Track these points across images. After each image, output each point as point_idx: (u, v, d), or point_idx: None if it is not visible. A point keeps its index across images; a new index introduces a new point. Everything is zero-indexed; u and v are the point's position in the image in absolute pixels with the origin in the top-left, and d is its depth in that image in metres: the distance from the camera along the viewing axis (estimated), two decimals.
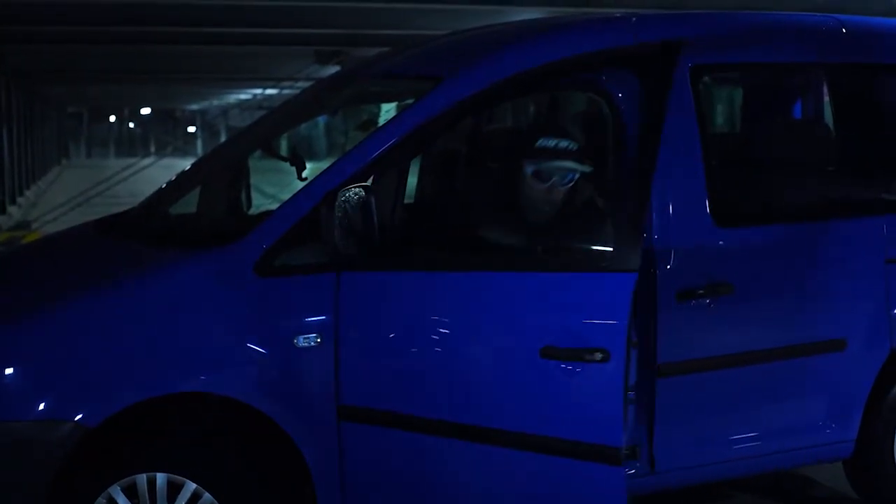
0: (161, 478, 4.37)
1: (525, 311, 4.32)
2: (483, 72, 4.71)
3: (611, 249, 4.28)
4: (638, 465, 4.99)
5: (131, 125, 75.83)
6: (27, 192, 29.83)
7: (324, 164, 4.64)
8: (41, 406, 4.17)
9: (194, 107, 63.93)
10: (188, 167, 6.13)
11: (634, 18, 5.04)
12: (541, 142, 4.81)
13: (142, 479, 4.35)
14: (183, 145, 55.71)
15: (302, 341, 4.38)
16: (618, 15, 5.26)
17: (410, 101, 4.80)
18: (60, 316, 4.32)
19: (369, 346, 4.44)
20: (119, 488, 4.33)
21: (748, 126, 6.31)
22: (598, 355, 4.13)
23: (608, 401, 4.17)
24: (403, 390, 4.44)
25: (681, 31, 4.94)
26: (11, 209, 24.72)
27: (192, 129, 71.00)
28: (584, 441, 4.21)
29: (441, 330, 4.39)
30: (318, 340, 4.39)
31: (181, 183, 5.80)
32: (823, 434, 5.35)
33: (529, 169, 4.86)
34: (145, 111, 69.67)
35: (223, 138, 44.38)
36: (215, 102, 54.38)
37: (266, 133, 5.97)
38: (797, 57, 5.50)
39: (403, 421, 4.42)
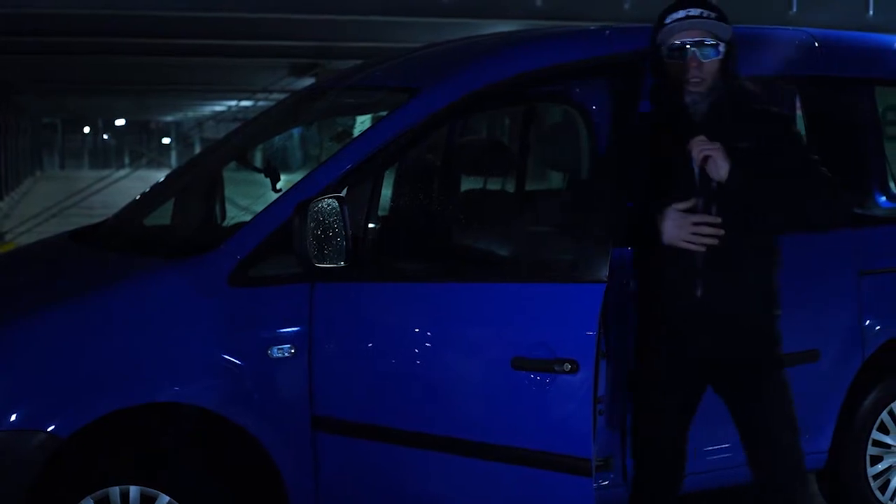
0: (134, 490, 4.34)
1: (496, 322, 4.33)
2: (458, 83, 4.72)
3: (580, 260, 4.30)
4: (612, 476, 5.00)
5: (105, 136, 75.62)
6: (0, 204, 29.70)
7: (298, 176, 4.64)
8: (13, 416, 4.14)
9: (169, 118, 63.87)
10: (163, 179, 6.12)
11: (608, 31, 5.06)
12: (670, 17, 4.39)
13: (115, 492, 4.33)
14: (157, 157, 55.54)
15: (276, 352, 4.38)
16: (592, 27, 5.29)
17: (385, 112, 4.81)
18: (33, 325, 4.31)
19: (343, 356, 4.44)
20: (92, 501, 4.30)
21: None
22: (568, 366, 4.14)
23: (578, 412, 4.18)
24: (377, 401, 4.44)
25: None
26: None
27: (166, 140, 70.86)
28: (555, 452, 4.22)
29: (414, 341, 4.39)
30: (293, 351, 4.39)
31: (156, 194, 5.80)
32: None
33: (664, 50, 4.41)
34: (120, 122, 69.51)
35: (198, 150, 44.32)
36: (190, 114, 54.32)
37: (241, 145, 5.97)
38: (771, 70, 5.53)
39: (377, 432, 4.42)
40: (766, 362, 4.51)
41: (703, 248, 4.30)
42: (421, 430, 4.39)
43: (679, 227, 4.31)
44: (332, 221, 4.27)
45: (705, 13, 4.35)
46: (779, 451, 4.54)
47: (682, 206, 4.32)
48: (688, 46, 4.33)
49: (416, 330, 4.40)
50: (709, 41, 4.34)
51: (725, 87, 4.40)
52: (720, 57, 4.35)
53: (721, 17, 4.37)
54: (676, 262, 4.37)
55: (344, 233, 4.28)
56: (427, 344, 4.40)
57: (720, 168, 4.24)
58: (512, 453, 4.29)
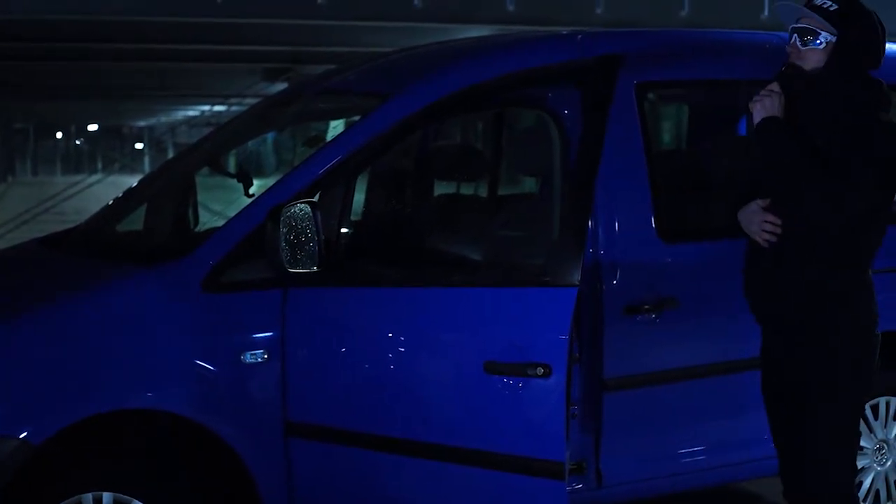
0: (107, 497, 4.33)
1: (469, 326, 4.35)
2: (430, 88, 4.72)
3: (553, 264, 4.31)
4: (585, 479, 5.01)
5: (78, 142, 75.36)
6: None
7: (271, 181, 4.64)
8: None
9: (142, 123, 63.75)
10: (135, 184, 6.11)
11: (580, 35, 5.08)
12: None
13: (87, 498, 4.32)
14: (130, 162, 55.38)
15: (249, 357, 4.37)
16: (564, 32, 5.30)
17: (358, 117, 4.81)
18: (3, 332, 4.29)
19: (315, 362, 4.43)
20: None
21: (694, 143, 6.36)
22: (540, 370, 4.15)
23: (550, 416, 4.19)
24: (350, 406, 4.44)
25: (626, 48, 4.97)
26: None
27: (139, 145, 70.68)
28: (528, 456, 4.23)
29: (386, 346, 4.40)
30: (266, 357, 4.38)
31: (128, 200, 5.78)
32: (769, 447, 5.36)
33: (793, 36, 4.29)
34: (92, 128, 69.28)
35: (171, 155, 44.25)
36: (163, 119, 54.23)
37: (213, 150, 5.96)
38: (743, 74, 5.54)
39: (350, 437, 4.42)
40: (815, 370, 4.35)
41: (766, 245, 4.34)
42: (394, 434, 4.40)
43: (750, 222, 4.40)
44: (305, 226, 4.27)
45: (827, 4, 4.24)
46: (814, 469, 4.45)
47: (762, 202, 4.38)
48: (794, 31, 4.31)
49: (390, 335, 4.41)
50: (812, 28, 4.26)
51: (826, 84, 4.25)
52: (822, 48, 4.24)
53: (841, 13, 4.21)
54: (756, 257, 4.45)
55: (316, 238, 4.28)
56: (400, 349, 4.40)
57: (757, 113, 4.24)
58: (486, 457, 4.30)
